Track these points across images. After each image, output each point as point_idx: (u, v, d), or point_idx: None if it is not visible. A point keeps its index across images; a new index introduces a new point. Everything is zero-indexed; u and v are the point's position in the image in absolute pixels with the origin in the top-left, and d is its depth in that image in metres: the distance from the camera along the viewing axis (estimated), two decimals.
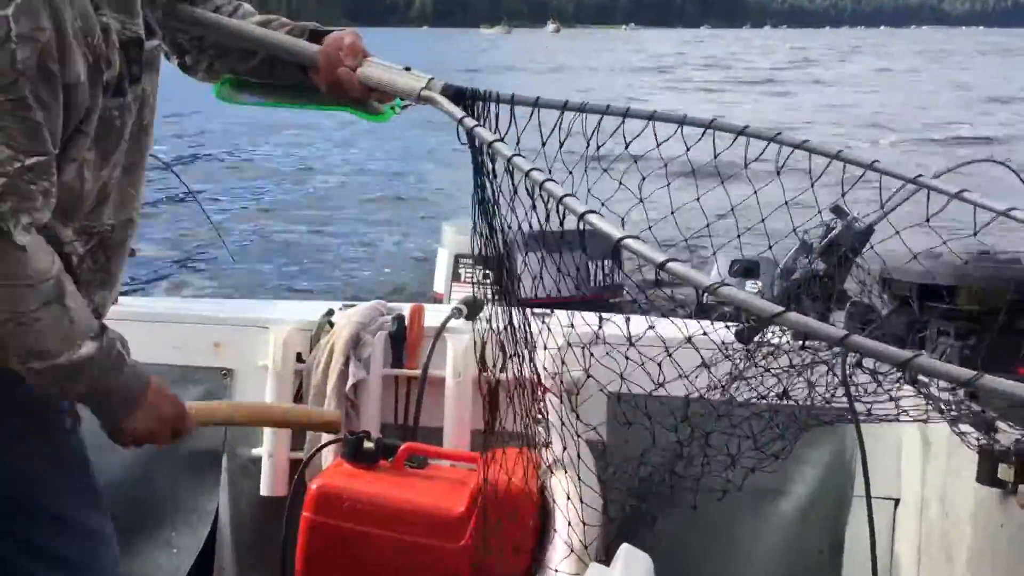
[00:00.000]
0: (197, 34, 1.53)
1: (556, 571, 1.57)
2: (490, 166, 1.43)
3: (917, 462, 1.97)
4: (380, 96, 1.51)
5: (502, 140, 1.32)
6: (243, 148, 17.26)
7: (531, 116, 1.49)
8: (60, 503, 1.44)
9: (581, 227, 1.24)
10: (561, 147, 1.45)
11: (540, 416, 1.92)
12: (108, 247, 1.37)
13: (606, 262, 4.36)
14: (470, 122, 1.33)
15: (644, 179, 1.56)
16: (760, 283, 3.54)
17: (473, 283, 3.70)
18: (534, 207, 1.33)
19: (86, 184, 1.29)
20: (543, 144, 1.43)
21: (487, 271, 4.04)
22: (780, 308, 0.90)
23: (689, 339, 1.83)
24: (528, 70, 39.15)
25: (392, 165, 15.64)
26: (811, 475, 2.09)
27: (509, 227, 1.54)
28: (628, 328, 1.81)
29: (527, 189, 1.32)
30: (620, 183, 1.56)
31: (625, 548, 1.00)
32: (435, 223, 4.58)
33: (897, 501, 2.07)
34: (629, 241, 1.11)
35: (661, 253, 1.04)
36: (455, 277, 3.87)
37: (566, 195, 1.24)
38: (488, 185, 1.45)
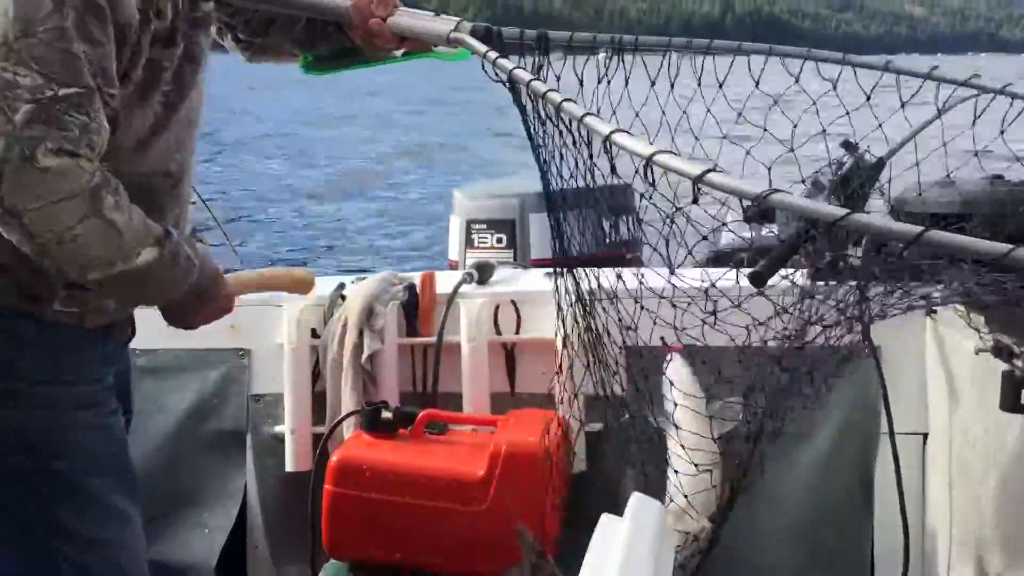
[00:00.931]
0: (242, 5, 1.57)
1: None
2: (527, 103, 1.40)
3: (943, 395, 1.95)
4: (414, 44, 1.52)
5: (528, 72, 1.30)
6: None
7: (565, 58, 1.47)
8: (96, 483, 1.47)
9: (608, 148, 1.22)
10: (606, 84, 1.42)
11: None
12: (132, 192, 1.37)
13: (622, 217, 4.33)
14: (493, 54, 1.31)
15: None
16: (777, 227, 3.49)
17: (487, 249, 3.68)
18: (561, 134, 1.32)
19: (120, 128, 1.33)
20: (580, 83, 1.40)
21: (500, 236, 4.02)
22: (844, 211, 0.89)
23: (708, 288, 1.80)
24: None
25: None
26: (837, 416, 2.07)
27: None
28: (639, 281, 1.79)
29: (550, 118, 1.30)
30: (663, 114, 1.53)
31: (636, 496, 0.99)
32: (448, 189, 4.56)
33: (925, 436, 2.05)
34: (660, 157, 1.08)
35: (698, 165, 1.01)
36: (468, 243, 3.85)
37: (587, 114, 1.22)
38: (525, 123, 1.43)
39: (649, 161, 1.14)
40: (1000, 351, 1.60)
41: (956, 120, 1.63)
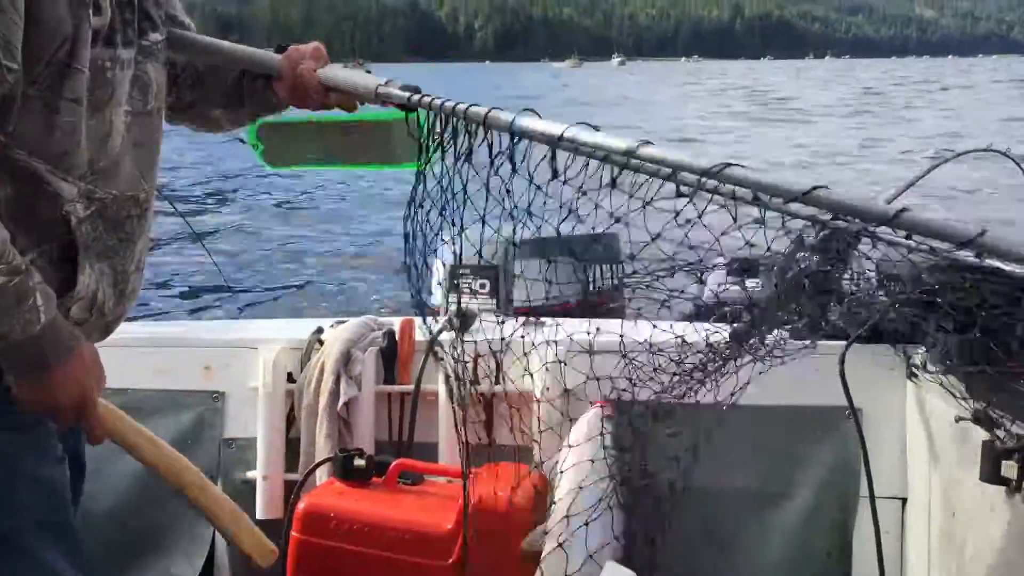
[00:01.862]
0: (180, 59, 1.53)
1: None
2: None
3: (923, 461, 1.92)
4: (341, 99, 1.49)
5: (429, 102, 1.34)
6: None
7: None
8: (33, 541, 1.35)
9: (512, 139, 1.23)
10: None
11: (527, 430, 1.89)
12: (108, 218, 1.34)
13: (604, 267, 4.33)
14: (416, 96, 1.33)
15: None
16: (760, 280, 3.49)
17: (460, 295, 3.66)
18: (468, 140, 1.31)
19: (79, 132, 1.26)
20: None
21: (483, 281, 4.03)
22: (896, 208, 0.90)
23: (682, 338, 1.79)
24: (598, 103, 38.02)
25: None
26: (815, 477, 2.04)
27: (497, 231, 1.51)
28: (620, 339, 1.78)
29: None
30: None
31: (610, 566, 0.96)
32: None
33: (904, 501, 2.02)
34: (572, 131, 1.10)
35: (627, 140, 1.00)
36: (452, 289, 3.84)
37: (492, 109, 1.25)
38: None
39: (560, 139, 1.15)
40: (980, 420, 1.58)
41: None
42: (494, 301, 3.62)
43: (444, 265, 3.90)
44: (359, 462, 1.87)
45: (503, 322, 2.08)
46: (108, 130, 1.31)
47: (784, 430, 2.04)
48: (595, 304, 3.83)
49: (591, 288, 4.15)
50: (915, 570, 1.94)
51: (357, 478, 1.87)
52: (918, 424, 1.96)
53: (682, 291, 1.96)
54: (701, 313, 3.44)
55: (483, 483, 1.82)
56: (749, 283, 3.55)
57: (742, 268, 3.40)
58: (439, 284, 3.93)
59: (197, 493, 1.47)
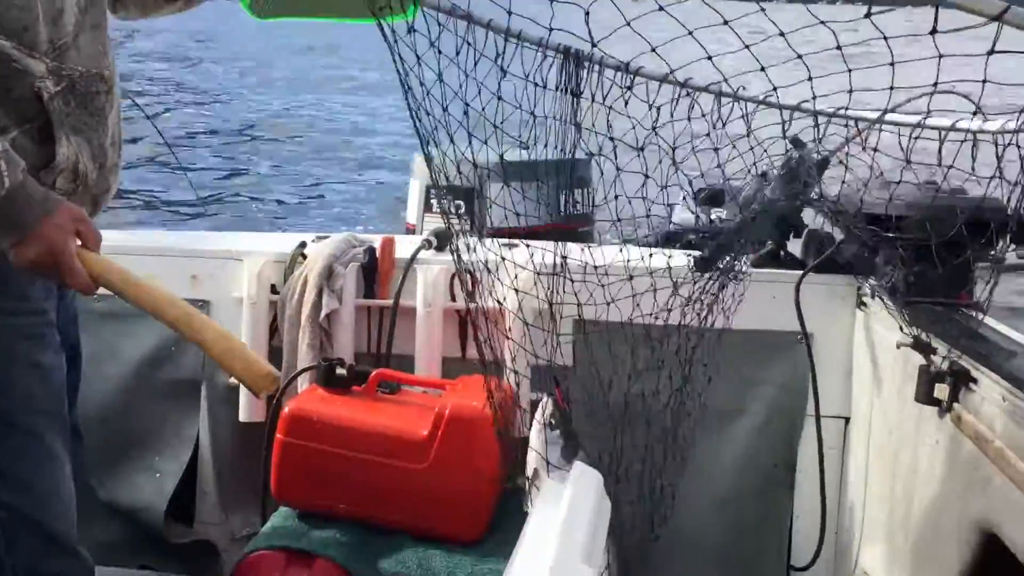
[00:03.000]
0: None
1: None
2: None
3: (867, 383, 2.07)
4: None
5: None
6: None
7: None
8: (32, 423, 1.46)
9: None
10: None
11: (498, 345, 1.99)
12: (78, 94, 1.43)
13: (576, 191, 4.41)
14: None
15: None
16: (725, 211, 3.60)
17: (443, 214, 3.74)
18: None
19: (35, 8, 1.35)
20: None
21: (457, 201, 4.10)
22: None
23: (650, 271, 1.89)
24: None
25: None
26: (767, 395, 2.19)
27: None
28: (591, 257, 1.88)
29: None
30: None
31: (577, 465, 1.08)
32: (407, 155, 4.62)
33: (847, 420, 2.18)
34: None
35: None
36: (427, 207, 3.91)
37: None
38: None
39: None
40: (919, 346, 1.71)
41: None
42: (469, 222, 3.71)
43: (419, 184, 3.99)
44: (341, 371, 1.97)
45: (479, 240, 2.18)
46: (61, 6, 1.40)
47: (740, 352, 2.17)
48: (566, 229, 3.93)
49: (563, 212, 4.24)
50: (854, 482, 2.10)
51: (339, 386, 1.98)
52: (864, 350, 2.10)
53: (649, 215, 2.05)
54: (668, 241, 3.56)
55: (459, 393, 1.94)
56: (715, 212, 3.66)
57: (710, 197, 3.50)
58: (415, 202, 4.03)
59: (187, 326, 1.50)
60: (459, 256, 1.69)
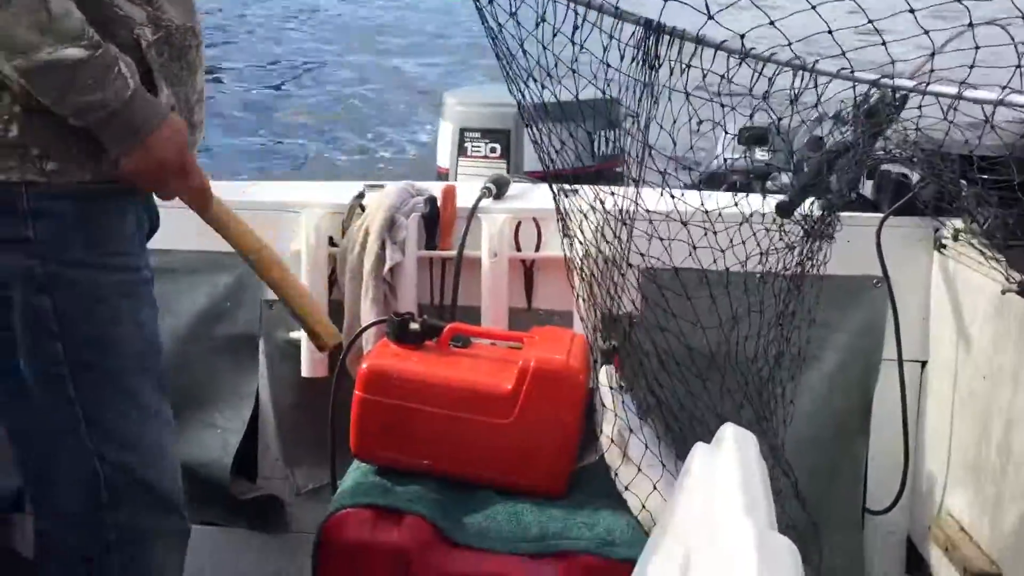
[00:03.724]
0: None
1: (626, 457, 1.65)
2: None
3: (948, 326, 2.03)
4: None
5: None
6: None
7: None
8: (135, 382, 1.47)
9: None
10: None
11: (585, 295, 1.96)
12: (173, 45, 1.43)
13: (608, 131, 4.33)
14: None
15: None
16: (769, 152, 3.53)
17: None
18: None
19: None
20: None
21: (493, 145, 4.02)
22: None
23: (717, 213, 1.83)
24: None
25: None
26: (841, 341, 2.16)
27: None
28: (637, 201, 1.82)
29: None
30: None
31: (730, 427, 1.05)
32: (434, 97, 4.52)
33: (924, 364, 2.15)
34: None
35: None
36: (461, 151, 3.83)
37: None
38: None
39: None
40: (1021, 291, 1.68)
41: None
42: (504, 164, 3.65)
43: (452, 126, 3.90)
44: (414, 325, 1.93)
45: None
46: None
47: (813, 298, 2.13)
48: (607, 170, 3.88)
49: (599, 153, 4.17)
50: (935, 426, 2.08)
51: (412, 341, 1.94)
52: (944, 293, 2.06)
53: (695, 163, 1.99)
54: (713, 180, 3.50)
55: (539, 346, 1.90)
56: (759, 152, 3.59)
57: (755, 137, 3.43)
58: (447, 145, 3.94)
59: (268, 268, 1.63)
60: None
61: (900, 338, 2.04)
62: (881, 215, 2.06)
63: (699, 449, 1.05)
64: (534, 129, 1.92)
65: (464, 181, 3.71)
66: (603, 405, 1.83)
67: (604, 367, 1.91)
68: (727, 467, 0.97)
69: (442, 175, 3.96)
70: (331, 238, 2.28)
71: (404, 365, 1.88)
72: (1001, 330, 1.76)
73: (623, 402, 1.81)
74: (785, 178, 3.31)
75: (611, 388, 1.82)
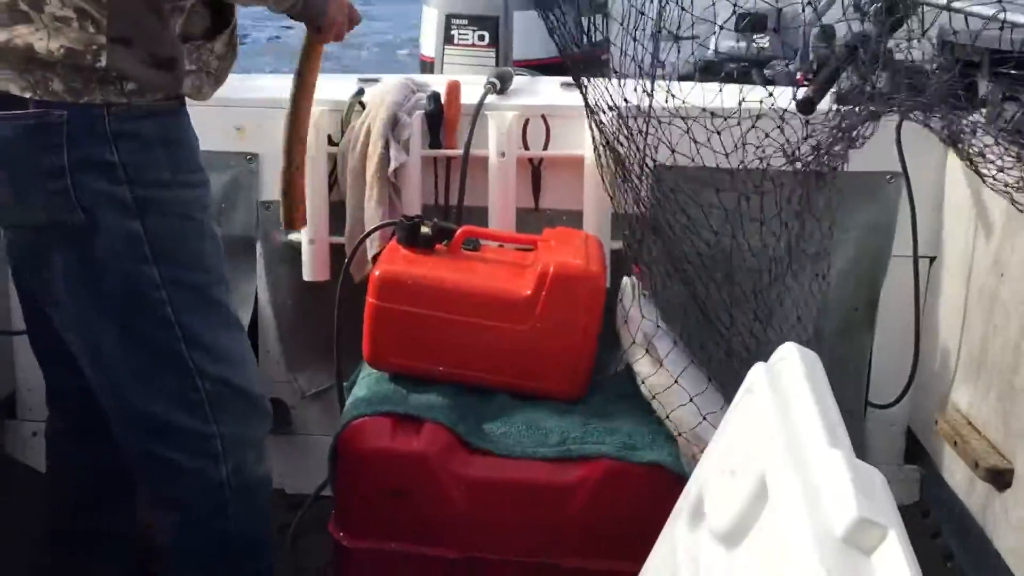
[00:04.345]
0: None
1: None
2: None
3: (961, 223, 2.02)
4: None
5: None
6: None
7: None
8: (219, 293, 1.50)
9: None
10: None
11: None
12: None
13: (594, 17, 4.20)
14: None
15: None
16: (768, 38, 3.44)
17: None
18: None
19: None
20: None
21: (481, 32, 3.88)
22: None
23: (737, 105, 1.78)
24: None
25: None
26: (852, 237, 2.14)
27: None
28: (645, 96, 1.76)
29: None
30: None
31: (793, 347, 1.03)
32: None
33: (932, 259, 2.15)
34: None
35: None
36: (447, 40, 3.69)
37: None
38: None
39: None
40: None
41: None
42: (493, 53, 3.53)
43: (437, 12, 3.75)
44: (425, 229, 1.88)
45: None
46: None
47: (830, 195, 2.10)
48: (592, 58, 3.77)
49: (586, 41, 4.06)
50: (944, 321, 2.10)
51: (422, 244, 1.89)
52: (957, 190, 2.05)
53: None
54: (708, 69, 3.41)
55: (554, 250, 1.86)
56: (757, 40, 3.49)
57: (752, 23, 3.33)
58: (432, 32, 3.80)
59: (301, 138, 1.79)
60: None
61: (916, 233, 2.03)
62: (899, 110, 2.01)
63: (760, 369, 1.03)
64: (553, 13, 1.83)
65: (451, 72, 3.59)
66: (626, 312, 1.81)
67: (626, 277, 1.88)
68: (799, 389, 0.95)
69: (426, 63, 3.82)
70: (330, 137, 2.20)
71: (417, 270, 1.83)
72: (1015, 226, 1.76)
73: (646, 308, 1.79)
74: (784, 66, 3.24)
75: (633, 296, 1.80)
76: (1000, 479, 1.75)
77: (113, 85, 1.34)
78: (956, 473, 2.00)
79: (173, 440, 1.48)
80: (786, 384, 0.97)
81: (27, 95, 1.32)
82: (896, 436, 2.26)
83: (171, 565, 1.58)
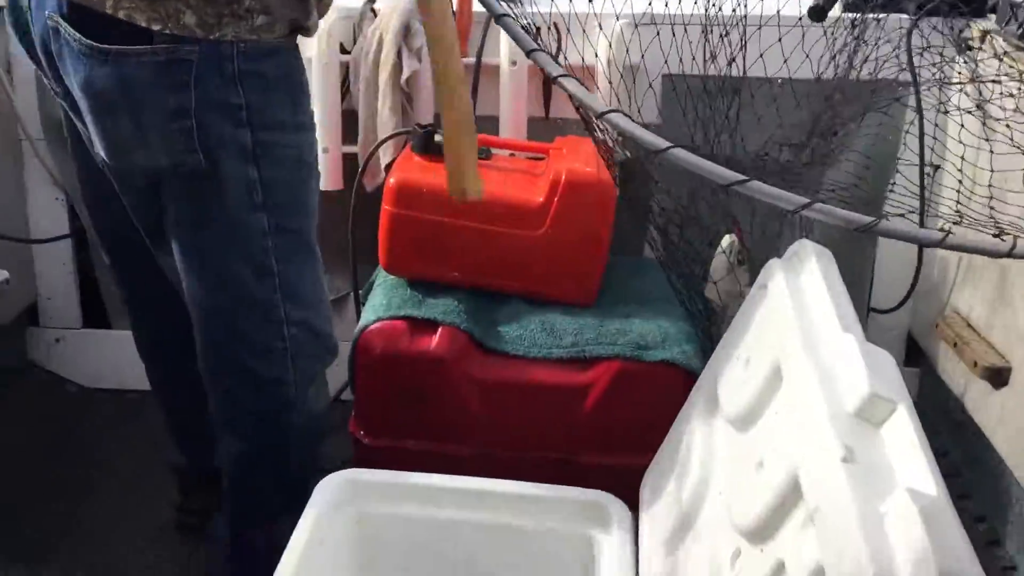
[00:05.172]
0: None
1: None
2: None
3: (972, 127, 2.04)
4: None
5: None
6: None
7: None
8: (315, 242, 1.50)
9: None
10: None
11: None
12: None
13: None
14: None
15: None
16: None
17: None
18: None
19: None
20: None
21: None
22: None
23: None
24: None
25: None
26: (859, 144, 2.16)
27: None
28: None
29: None
30: None
31: (808, 243, 1.06)
32: None
33: (937, 168, 2.18)
34: None
35: None
36: None
37: None
38: None
39: None
40: None
41: None
42: None
43: None
44: (439, 137, 1.90)
45: None
46: None
47: (839, 102, 2.12)
48: None
49: None
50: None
51: (437, 152, 1.92)
52: (964, 98, 2.06)
53: None
54: None
55: (566, 158, 1.89)
56: None
57: None
58: None
59: (455, 93, 1.47)
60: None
61: (924, 141, 2.05)
62: (911, 16, 2.02)
63: (775, 264, 1.07)
64: None
65: None
66: (720, 274, 1.81)
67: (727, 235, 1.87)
68: (813, 282, 0.99)
69: None
70: (342, 45, 2.20)
71: (432, 178, 1.86)
72: (1019, 137, 1.78)
73: (740, 275, 1.80)
74: None
75: (730, 258, 1.81)
76: (998, 377, 1.81)
77: (245, 20, 1.28)
78: (955, 374, 2.06)
79: (251, 385, 1.51)
80: (800, 277, 1.01)
81: (154, 27, 1.23)
82: (897, 341, 2.32)
83: (230, 493, 1.63)
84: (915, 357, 2.32)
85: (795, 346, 0.92)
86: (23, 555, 1.69)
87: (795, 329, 0.93)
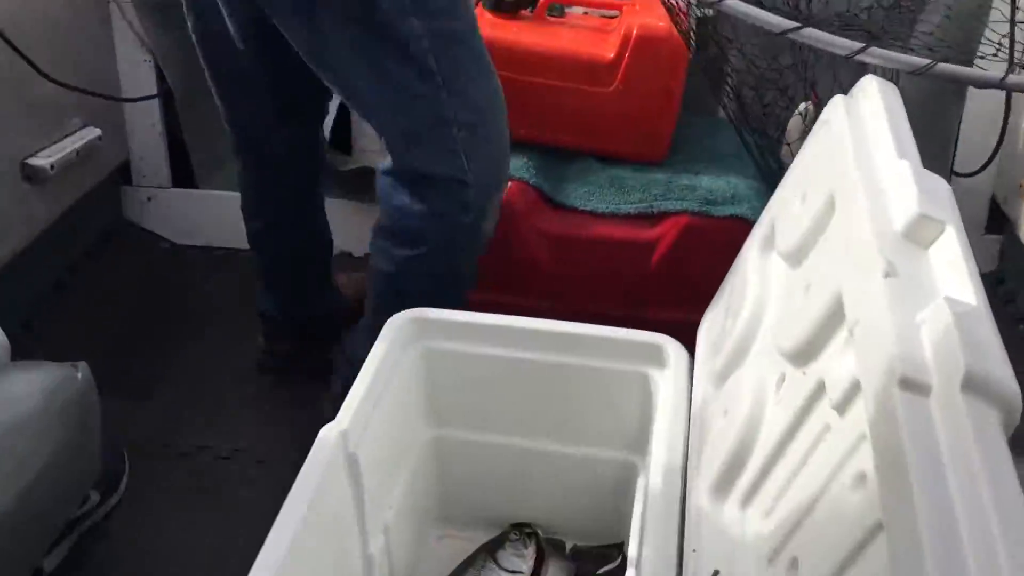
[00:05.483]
0: None
1: None
2: None
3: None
4: None
5: None
6: None
7: None
8: (479, 40, 1.49)
9: None
10: None
11: None
12: None
13: None
14: None
15: None
16: None
17: None
18: None
19: None
20: None
21: None
22: None
23: None
24: None
25: None
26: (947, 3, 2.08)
27: None
28: None
29: None
30: None
31: (873, 78, 1.05)
32: None
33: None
34: None
35: None
36: None
37: None
38: None
39: None
40: None
41: None
42: None
43: None
44: None
45: None
46: None
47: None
48: None
49: None
50: None
51: (507, 10, 1.92)
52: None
53: None
54: None
55: (639, 14, 1.87)
56: None
57: None
58: None
59: None
60: None
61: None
62: None
63: (838, 99, 1.07)
64: None
65: None
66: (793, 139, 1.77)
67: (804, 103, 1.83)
68: (875, 112, 0.98)
69: None
70: None
71: (504, 35, 1.87)
72: None
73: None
74: None
75: (805, 125, 1.76)
76: None
77: None
78: None
79: (429, 188, 1.50)
80: (863, 112, 1.01)
81: None
82: (979, 206, 2.27)
83: (388, 292, 1.59)
84: (998, 224, 2.27)
85: (850, 174, 0.92)
86: (128, 391, 1.83)
87: (851, 158, 0.93)
